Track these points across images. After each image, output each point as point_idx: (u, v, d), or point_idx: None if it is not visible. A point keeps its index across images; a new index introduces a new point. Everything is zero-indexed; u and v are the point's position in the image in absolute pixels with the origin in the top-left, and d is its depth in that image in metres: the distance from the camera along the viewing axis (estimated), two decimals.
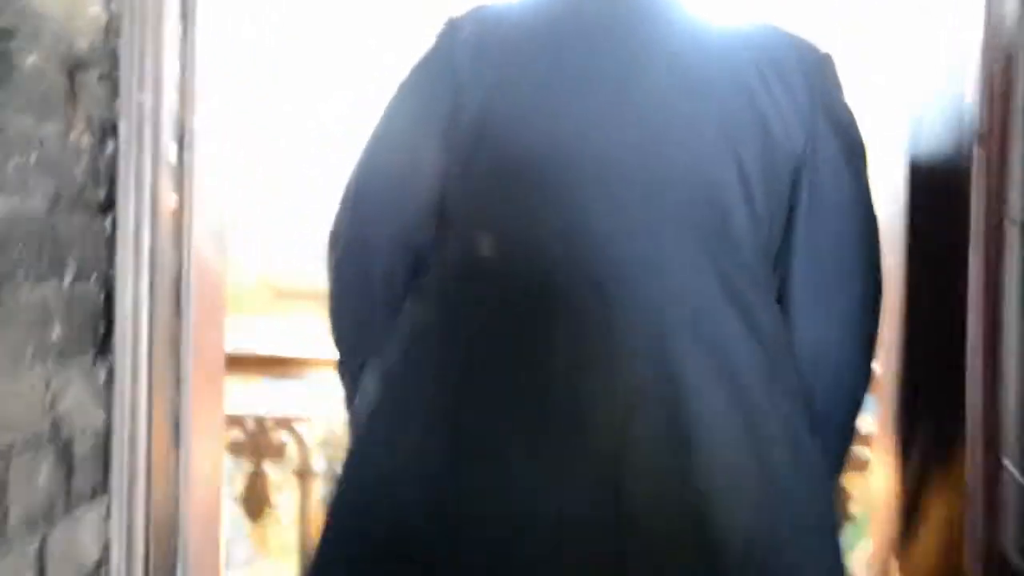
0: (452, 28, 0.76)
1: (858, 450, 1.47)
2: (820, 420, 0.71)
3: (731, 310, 0.66)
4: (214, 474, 1.10)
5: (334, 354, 0.82)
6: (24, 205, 0.73)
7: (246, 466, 1.88)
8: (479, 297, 0.70)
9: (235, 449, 1.87)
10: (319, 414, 1.89)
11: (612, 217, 0.67)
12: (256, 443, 1.87)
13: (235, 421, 1.87)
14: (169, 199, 0.93)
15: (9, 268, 0.71)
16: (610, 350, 0.65)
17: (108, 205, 0.88)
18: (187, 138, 0.93)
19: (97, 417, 0.89)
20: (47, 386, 0.79)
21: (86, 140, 0.83)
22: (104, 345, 0.89)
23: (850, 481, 1.51)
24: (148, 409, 0.95)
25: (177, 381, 1.00)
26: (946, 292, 0.88)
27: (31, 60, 0.73)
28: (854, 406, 0.77)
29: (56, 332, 0.79)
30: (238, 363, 2.06)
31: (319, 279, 0.83)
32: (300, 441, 1.86)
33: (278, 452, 1.88)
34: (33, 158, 0.74)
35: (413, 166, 0.74)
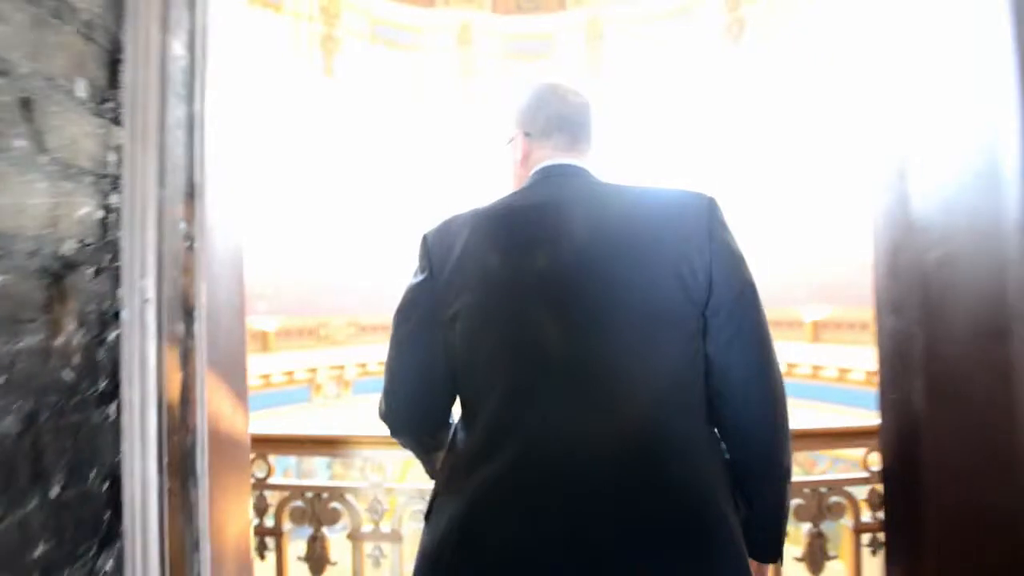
0: (424, 241, 0.91)
1: None
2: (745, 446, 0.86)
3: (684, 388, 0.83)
4: None
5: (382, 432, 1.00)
6: None
7: (308, 530, 1.81)
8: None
9: (297, 516, 1.81)
10: (366, 484, 1.80)
11: (606, 333, 0.81)
12: (315, 511, 1.81)
13: (297, 492, 1.81)
14: (176, 376, 0.81)
15: None
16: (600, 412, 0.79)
17: (112, 393, 0.77)
18: (196, 313, 0.81)
19: None
20: None
21: (79, 338, 0.71)
22: (109, 534, 0.78)
23: None
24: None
25: (196, 547, 0.89)
26: None
27: None
28: (779, 438, 0.86)
29: (39, 550, 0.68)
30: (297, 444, 2.00)
31: (390, 316, 0.94)
32: (351, 508, 1.80)
33: (333, 518, 1.82)
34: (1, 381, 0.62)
35: (427, 365, 0.89)
